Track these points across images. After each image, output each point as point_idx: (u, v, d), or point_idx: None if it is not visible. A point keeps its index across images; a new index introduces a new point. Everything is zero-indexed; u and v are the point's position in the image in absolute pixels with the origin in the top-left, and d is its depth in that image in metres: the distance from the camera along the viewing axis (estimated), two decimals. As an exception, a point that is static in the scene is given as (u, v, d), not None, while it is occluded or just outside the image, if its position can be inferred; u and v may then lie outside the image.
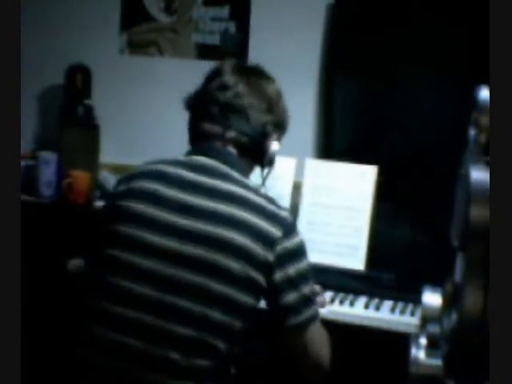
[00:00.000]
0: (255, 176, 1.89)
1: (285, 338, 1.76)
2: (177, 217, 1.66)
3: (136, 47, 3.09)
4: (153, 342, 1.62)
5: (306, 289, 1.72)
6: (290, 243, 1.68)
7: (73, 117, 2.99)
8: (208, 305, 1.62)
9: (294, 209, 2.47)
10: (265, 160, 1.84)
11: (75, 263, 2.38)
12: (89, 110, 3.00)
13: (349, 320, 2.16)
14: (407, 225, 2.45)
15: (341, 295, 2.26)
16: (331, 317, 2.16)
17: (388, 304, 2.22)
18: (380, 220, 2.41)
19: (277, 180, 2.49)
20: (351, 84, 2.78)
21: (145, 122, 3.08)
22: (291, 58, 2.86)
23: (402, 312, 2.17)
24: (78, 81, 2.99)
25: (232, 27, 2.96)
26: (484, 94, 1.09)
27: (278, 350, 2.06)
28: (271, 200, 1.73)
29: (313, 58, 2.85)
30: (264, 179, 1.89)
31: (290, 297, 1.69)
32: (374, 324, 2.14)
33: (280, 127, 1.88)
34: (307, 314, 1.72)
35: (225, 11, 2.96)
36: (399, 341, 1.95)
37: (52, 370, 2.08)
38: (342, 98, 2.78)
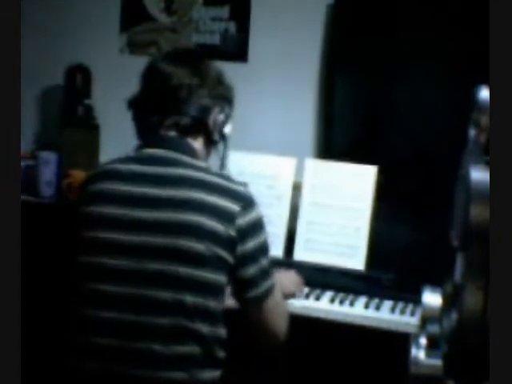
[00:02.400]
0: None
1: (244, 311, 1.80)
2: (139, 211, 1.69)
3: (136, 47, 3.09)
4: (133, 338, 1.65)
5: (265, 261, 1.75)
6: (249, 217, 1.71)
7: (73, 117, 2.99)
8: (179, 290, 1.65)
9: (294, 209, 2.47)
10: (214, 135, 1.83)
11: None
12: (89, 110, 3.00)
13: (349, 320, 2.16)
14: (407, 225, 2.44)
15: (341, 295, 2.25)
16: (331, 317, 2.17)
17: (388, 304, 2.21)
18: (380, 220, 2.41)
19: (277, 180, 2.49)
20: (351, 84, 2.78)
21: (145, 122, 3.07)
22: (291, 58, 2.86)
23: (402, 312, 2.17)
24: (78, 81, 2.99)
25: (232, 27, 2.96)
26: (484, 93, 1.09)
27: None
28: (225, 177, 1.76)
29: (313, 58, 2.85)
30: (222, 158, 1.90)
31: (250, 270, 1.72)
32: (374, 324, 2.14)
33: (220, 98, 1.84)
34: (265, 286, 1.76)
35: (225, 11, 2.96)
36: (399, 341, 1.95)
37: (50, 372, 2.08)
38: (342, 98, 2.78)
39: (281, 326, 1.83)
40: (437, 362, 1.08)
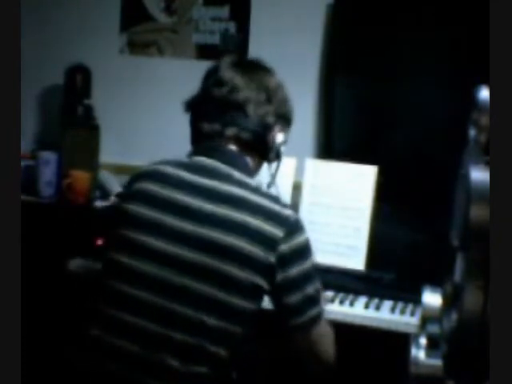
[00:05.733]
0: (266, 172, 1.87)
1: (288, 338, 1.74)
2: (178, 220, 1.65)
3: (136, 47, 3.09)
4: (152, 348, 1.61)
5: (310, 288, 1.69)
6: (292, 243, 1.65)
7: (73, 117, 2.99)
8: (207, 311, 1.60)
9: (294, 209, 2.46)
10: (270, 154, 1.81)
11: (76, 263, 2.39)
12: (89, 110, 3.00)
13: (349, 320, 2.16)
14: (407, 225, 2.44)
15: (341, 295, 2.25)
16: (331, 317, 2.16)
17: (388, 304, 2.21)
18: (380, 220, 2.41)
19: (277, 180, 2.49)
20: (351, 84, 2.78)
21: (145, 122, 3.08)
22: (291, 58, 2.86)
23: (402, 312, 2.17)
24: (78, 81, 2.99)
25: (232, 27, 2.96)
26: (484, 93, 1.09)
27: (279, 351, 2.06)
28: (274, 199, 1.70)
29: (313, 58, 2.85)
30: (273, 175, 1.87)
31: (293, 297, 1.67)
32: (374, 324, 2.14)
33: (282, 117, 1.82)
34: (311, 313, 1.70)
35: (225, 11, 2.96)
36: (399, 341, 1.95)
37: (51, 371, 2.08)
38: (342, 98, 2.78)
39: (328, 353, 1.77)
40: (437, 362, 1.08)
